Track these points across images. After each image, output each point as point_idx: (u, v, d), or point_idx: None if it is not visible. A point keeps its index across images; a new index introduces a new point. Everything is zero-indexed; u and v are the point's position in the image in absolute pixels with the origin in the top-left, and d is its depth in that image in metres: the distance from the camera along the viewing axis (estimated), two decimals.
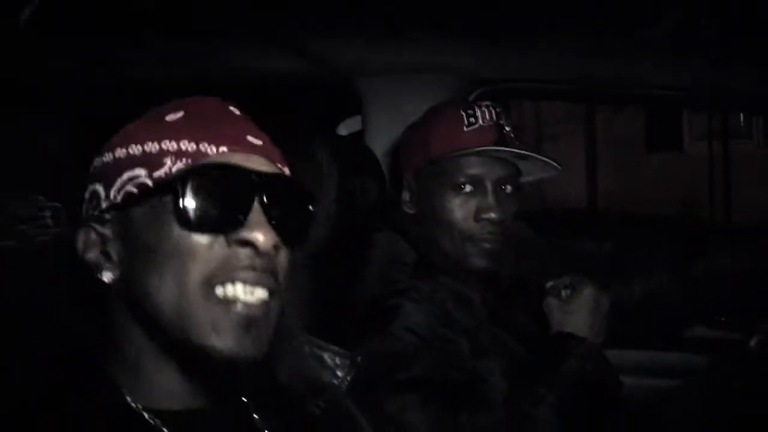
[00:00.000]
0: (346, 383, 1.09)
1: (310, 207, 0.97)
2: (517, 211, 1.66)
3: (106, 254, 0.91)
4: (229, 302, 0.85)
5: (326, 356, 1.10)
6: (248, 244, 0.86)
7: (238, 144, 0.91)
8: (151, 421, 0.88)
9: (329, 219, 1.68)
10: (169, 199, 0.86)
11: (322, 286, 1.72)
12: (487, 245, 1.60)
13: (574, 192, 11.65)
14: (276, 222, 0.89)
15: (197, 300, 0.85)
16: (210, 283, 0.85)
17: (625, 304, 1.88)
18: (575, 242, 2.09)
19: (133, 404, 0.89)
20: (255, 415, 0.98)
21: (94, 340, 0.92)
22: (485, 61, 2.14)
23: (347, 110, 2.32)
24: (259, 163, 0.91)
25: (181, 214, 0.85)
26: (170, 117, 0.93)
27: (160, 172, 0.88)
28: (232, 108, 0.97)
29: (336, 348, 1.12)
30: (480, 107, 1.65)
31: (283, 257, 0.91)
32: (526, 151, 1.61)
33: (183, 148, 0.89)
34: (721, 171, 10.94)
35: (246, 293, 0.86)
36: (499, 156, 1.61)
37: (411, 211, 1.69)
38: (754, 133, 11.58)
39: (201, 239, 0.86)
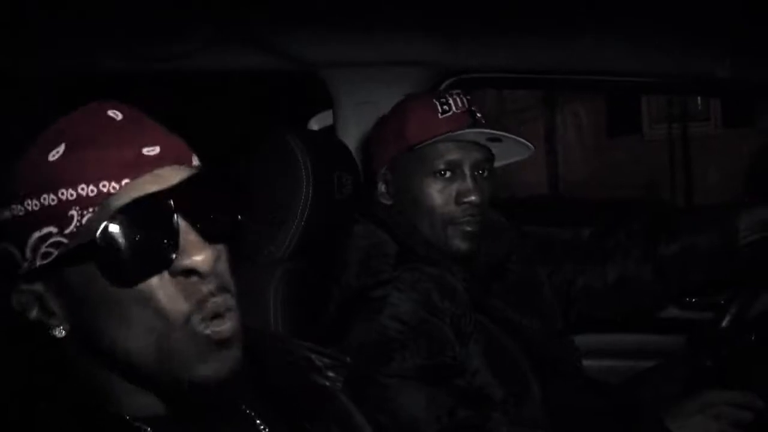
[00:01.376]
0: (338, 383, 1.09)
1: (234, 188, 0.91)
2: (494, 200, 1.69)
3: (47, 311, 0.85)
4: (202, 334, 0.83)
5: (314, 357, 1.10)
6: (191, 272, 0.82)
7: (137, 166, 0.83)
8: (139, 426, 0.87)
9: (307, 214, 1.69)
10: (94, 253, 0.80)
11: (304, 283, 1.73)
12: (468, 228, 1.64)
13: (535, 179, 11.72)
14: (207, 227, 0.84)
15: (170, 338, 0.82)
16: (175, 321, 0.82)
17: (599, 288, 1.92)
18: (546, 228, 2.10)
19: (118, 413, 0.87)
20: (248, 411, 0.98)
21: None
22: (452, 52, 2.15)
23: (317, 105, 2.31)
24: (166, 177, 0.84)
25: (112, 272, 0.80)
26: (53, 155, 0.83)
27: (71, 228, 0.81)
28: (114, 114, 0.87)
29: (323, 349, 1.12)
30: (451, 95, 1.68)
31: (224, 259, 0.87)
32: (503, 132, 1.64)
33: (83, 194, 0.81)
34: (681, 154, 11.11)
35: (214, 324, 0.84)
36: (476, 140, 1.64)
37: (388, 202, 1.71)
38: (711, 115, 11.72)
39: (148, 284, 0.81)
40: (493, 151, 1.69)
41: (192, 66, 2.21)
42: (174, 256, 0.81)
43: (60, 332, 0.85)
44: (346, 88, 2.20)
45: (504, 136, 1.64)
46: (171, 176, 0.84)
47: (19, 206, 0.82)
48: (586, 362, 1.88)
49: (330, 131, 2.24)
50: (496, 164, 1.73)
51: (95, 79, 2.30)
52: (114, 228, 0.79)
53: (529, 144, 1.70)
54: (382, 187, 1.72)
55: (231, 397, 0.96)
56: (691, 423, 1.51)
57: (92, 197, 0.80)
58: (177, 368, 0.83)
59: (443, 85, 2.23)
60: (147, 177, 0.82)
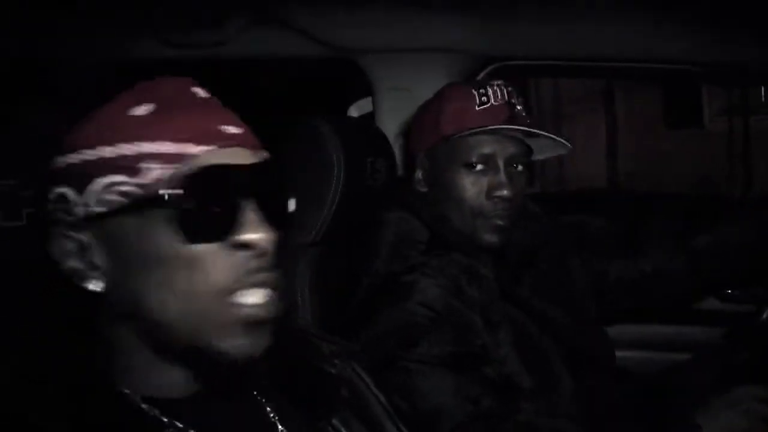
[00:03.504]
0: (344, 371, 1.09)
1: (290, 187, 0.93)
2: (537, 193, 1.68)
3: (88, 262, 0.86)
4: (240, 307, 0.84)
5: (324, 345, 1.10)
6: (248, 246, 0.84)
7: (218, 139, 0.86)
8: (146, 409, 0.87)
9: (338, 200, 1.70)
10: (159, 209, 0.82)
11: (332, 270, 1.74)
12: (498, 221, 1.63)
13: (594, 171, 11.58)
14: (269, 211, 0.86)
15: (208, 308, 0.83)
16: (219, 291, 0.84)
17: (632, 279, 1.89)
18: (585, 218, 2.08)
19: (127, 392, 0.87)
20: (259, 397, 0.98)
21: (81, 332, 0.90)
22: (493, 39, 2.13)
23: (358, 92, 2.32)
24: (242, 156, 0.87)
25: (179, 226, 0.82)
26: (138, 111, 0.86)
27: (144, 180, 0.83)
28: (197, 90, 0.92)
29: (334, 337, 1.12)
30: (492, 86, 1.67)
31: (275, 246, 0.88)
32: (537, 129, 1.62)
33: (164, 150, 0.83)
34: (741, 147, 10.85)
35: (255, 296, 0.85)
36: (510, 134, 1.63)
37: (423, 190, 1.71)
38: None
39: (203, 248, 0.83)
40: (532, 145, 1.68)
41: (228, 52, 2.23)
42: (236, 227, 0.84)
43: (97, 285, 0.86)
44: (382, 74, 2.20)
45: (538, 133, 1.63)
46: (246, 157, 0.87)
47: (90, 151, 0.84)
48: (622, 353, 1.87)
49: (368, 118, 2.25)
50: (536, 158, 1.73)
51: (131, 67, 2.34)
52: (189, 187, 0.82)
53: (566, 142, 1.68)
54: (419, 174, 1.72)
55: (246, 381, 0.97)
56: (720, 418, 1.48)
57: (173, 155, 0.83)
58: (208, 339, 0.84)
59: (483, 73, 2.21)
60: (227, 150, 0.86)
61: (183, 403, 0.89)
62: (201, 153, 0.84)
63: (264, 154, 0.92)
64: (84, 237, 0.86)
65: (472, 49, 2.17)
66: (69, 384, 0.84)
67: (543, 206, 1.88)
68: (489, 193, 1.62)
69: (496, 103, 1.64)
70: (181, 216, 0.82)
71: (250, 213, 0.84)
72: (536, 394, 1.55)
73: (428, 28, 2.14)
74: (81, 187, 0.84)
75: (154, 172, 0.83)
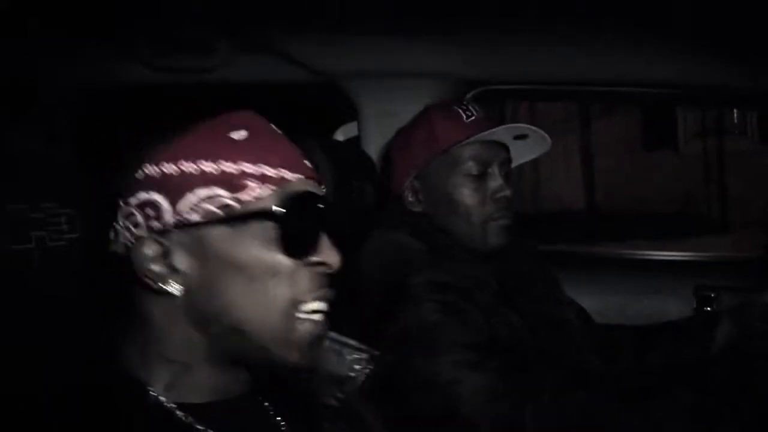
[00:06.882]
0: (363, 376, 1.14)
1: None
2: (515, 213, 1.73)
3: (170, 266, 0.92)
4: (307, 320, 0.93)
5: (345, 351, 1.15)
6: (322, 265, 0.94)
7: (304, 170, 0.97)
8: (179, 414, 0.91)
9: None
10: (255, 222, 0.91)
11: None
12: (504, 221, 1.71)
13: (571, 193, 11.68)
14: (332, 237, 0.96)
15: (283, 317, 0.92)
16: (294, 302, 0.92)
17: None
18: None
19: (161, 398, 0.92)
20: (266, 404, 1.02)
21: (114, 340, 0.95)
22: (473, 64, 2.19)
23: (344, 116, 2.35)
24: (318, 188, 0.98)
25: (277, 240, 0.91)
26: (235, 135, 0.95)
27: (244, 196, 0.91)
28: (272, 124, 1.01)
29: (355, 343, 1.16)
30: (468, 105, 1.76)
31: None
32: (532, 127, 1.72)
33: (266, 173, 0.92)
34: (716, 168, 10.99)
35: (318, 305, 0.94)
36: (502, 139, 1.71)
37: (417, 209, 1.75)
38: (748, 129, 11.59)
39: (289, 262, 0.92)
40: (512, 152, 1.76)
41: (215, 78, 2.26)
42: (317, 248, 0.94)
43: (176, 289, 0.91)
44: (367, 98, 2.25)
45: (533, 130, 1.72)
46: (319, 189, 0.99)
47: (190, 164, 0.92)
48: None
49: (355, 141, 2.28)
50: (514, 163, 1.81)
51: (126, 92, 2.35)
52: (290, 207, 0.92)
53: (549, 139, 1.77)
54: (409, 196, 1.76)
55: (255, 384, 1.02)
56: None
57: (273, 178, 0.92)
58: (275, 345, 0.92)
59: (468, 96, 2.26)
60: (309, 182, 0.97)
61: (206, 407, 0.94)
62: (294, 180, 0.94)
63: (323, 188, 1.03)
64: (169, 242, 0.92)
65: (455, 73, 2.22)
66: (106, 390, 0.90)
67: (520, 227, 1.90)
68: (492, 197, 1.69)
69: (479, 116, 1.73)
70: (281, 232, 0.91)
71: (325, 237, 0.95)
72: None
73: (413, 53, 2.18)
74: (176, 196, 0.91)
75: (255, 190, 0.91)
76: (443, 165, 1.72)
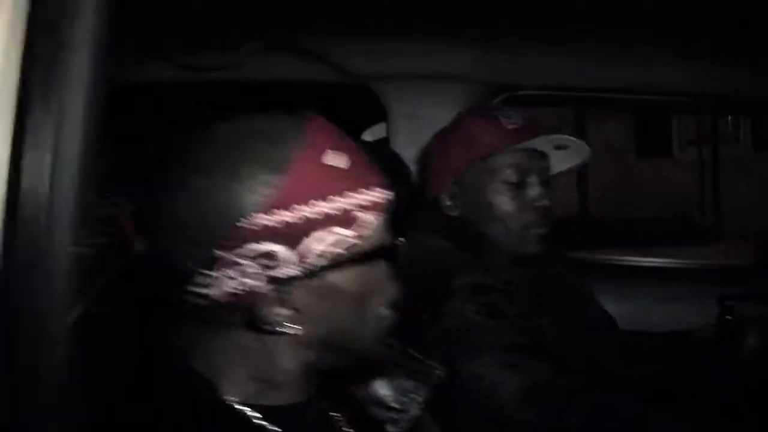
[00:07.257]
0: (423, 393, 1.11)
1: None
2: None
3: (292, 309, 0.88)
4: (385, 317, 0.96)
5: (411, 365, 1.13)
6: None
7: (381, 182, 0.93)
8: (252, 415, 0.90)
9: None
10: (378, 256, 0.91)
11: None
12: (542, 230, 1.70)
13: (565, 199, 11.70)
14: None
15: (375, 324, 0.96)
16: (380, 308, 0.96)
17: None
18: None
19: (235, 401, 0.90)
20: (328, 407, 1.01)
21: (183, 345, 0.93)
22: (501, 69, 2.19)
23: (372, 118, 2.34)
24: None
25: (390, 264, 0.94)
26: (332, 160, 0.87)
27: (362, 231, 0.87)
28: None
29: (421, 357, 1.15)
30: (508, 110, 1.75)
31: None
32: (572, 138, 1.72)
33: (373, 199, 0.89)
34: (711, 175, 11.05)
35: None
36: (543, 148, 1.70)
37: (454, 214, 1.73)
38: (741, 137, 11.66)
39: (384, 286, 0.95)
40: (552, 160, 1.74)
41: (243, 76, 2.25)
42: None
43: (296, 329, 0.88)
44: (395, 100, 2.24)
45: (573, 140, 1.71)
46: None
47: (303, 207, 0.84)
48: None
49: (384, 143, 2.26)
50: (553, 172, 1.78)
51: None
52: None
53: (587, 148, 1.76)
54: (446, 201, 1.74)
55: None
56: None
57: (379, 203, 0.90)
58: (367, 349, 0.96)
59: (495, 101, 2.25)
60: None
61: (276, 410, 0.92)
62: (386, 200, 0.92)
63: None
64: (290, 286, 0.87)
65: (483, 78, 2.21)
66: (182, 390, 0.89)
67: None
68: (531, 205, 1.68)
69: (523, 122, 1.71)
70: (394, 255, 0.93)
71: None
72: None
73: (442, 56, 2.18)
74: (293, 243, 0.85)
75: (372, 222, 0.89)
76: (482, 171, 1.70)
